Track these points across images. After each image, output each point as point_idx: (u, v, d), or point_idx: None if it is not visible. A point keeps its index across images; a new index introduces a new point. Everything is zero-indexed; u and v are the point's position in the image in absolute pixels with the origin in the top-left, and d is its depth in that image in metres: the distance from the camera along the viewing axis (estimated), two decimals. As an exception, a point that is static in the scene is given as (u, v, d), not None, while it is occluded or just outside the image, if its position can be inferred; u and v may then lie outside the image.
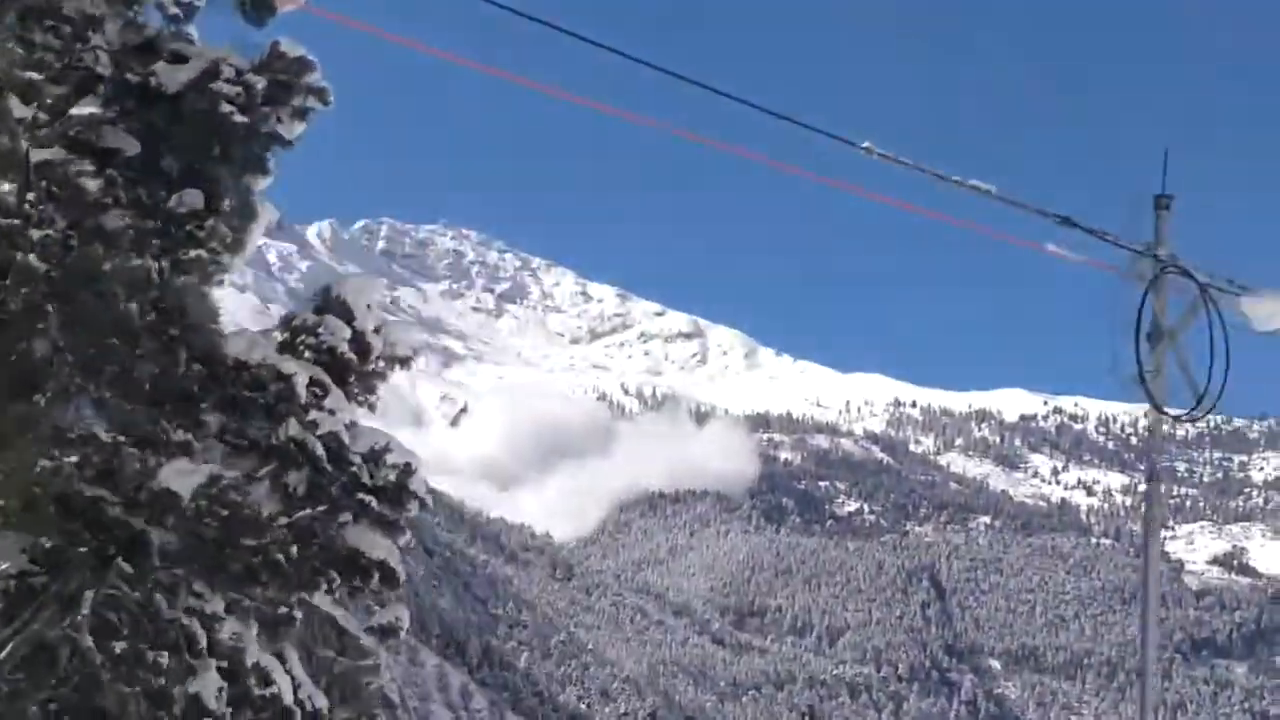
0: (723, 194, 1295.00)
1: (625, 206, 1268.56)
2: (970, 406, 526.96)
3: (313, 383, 15.45)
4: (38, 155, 14.04)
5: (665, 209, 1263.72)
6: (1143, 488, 16.23)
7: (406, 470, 15.94)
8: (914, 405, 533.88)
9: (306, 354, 15.83)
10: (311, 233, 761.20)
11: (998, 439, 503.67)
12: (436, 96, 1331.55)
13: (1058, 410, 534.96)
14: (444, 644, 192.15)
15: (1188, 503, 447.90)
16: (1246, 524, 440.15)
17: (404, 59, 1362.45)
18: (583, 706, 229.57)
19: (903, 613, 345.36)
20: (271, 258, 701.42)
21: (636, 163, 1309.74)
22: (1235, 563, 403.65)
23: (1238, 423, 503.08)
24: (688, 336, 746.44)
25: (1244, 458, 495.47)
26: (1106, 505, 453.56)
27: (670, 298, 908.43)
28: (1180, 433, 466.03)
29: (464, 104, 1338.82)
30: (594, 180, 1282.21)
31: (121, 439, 14.71)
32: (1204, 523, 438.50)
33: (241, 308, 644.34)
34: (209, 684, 15.27)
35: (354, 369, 16.12)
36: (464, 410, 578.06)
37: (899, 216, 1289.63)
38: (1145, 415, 15.81)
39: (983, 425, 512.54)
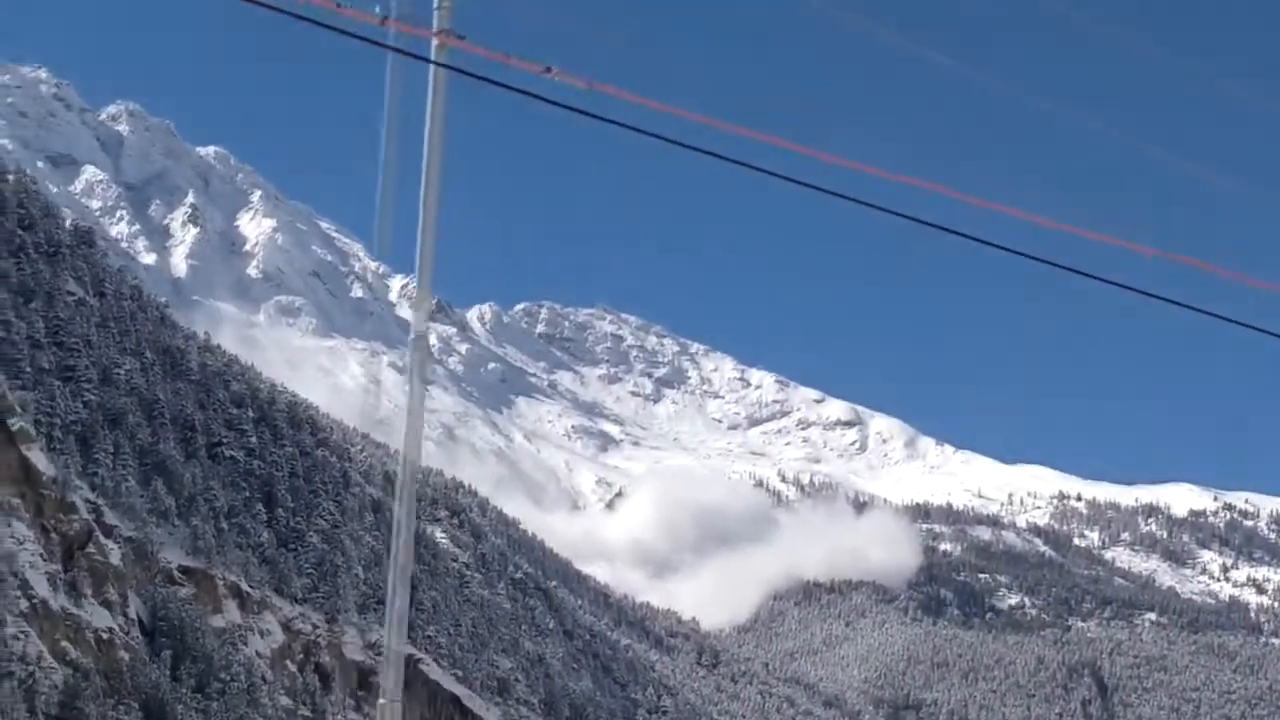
0: (884, 286, 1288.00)
1: (786, 293, 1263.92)
2: (1137, 501, 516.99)
3: None
4: None
5: (826, 298, 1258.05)
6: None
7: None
8: (1079, 499, 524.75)
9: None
10: (472, 315, 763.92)
11: (1165, 534, 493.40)
12: (598, 180, 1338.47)
13: (1228, 506, 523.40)
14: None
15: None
16: None
17: (569, 146, 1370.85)
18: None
19: (1063, 710, 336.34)
20: (431, 340, 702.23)
21: (798, 250, 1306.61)
22: None
23: None
24: (847, 424, 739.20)
25: None
26: (1277, 604, 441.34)
27: (830, 385, 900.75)
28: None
29: (625, 189, 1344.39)
30: (754, 267, 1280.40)
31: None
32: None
33: (402, 389, 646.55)
34: None
35: None
36: (620, 495, 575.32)
37: (1063, 312, 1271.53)
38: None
39: (1150, 520, 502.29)
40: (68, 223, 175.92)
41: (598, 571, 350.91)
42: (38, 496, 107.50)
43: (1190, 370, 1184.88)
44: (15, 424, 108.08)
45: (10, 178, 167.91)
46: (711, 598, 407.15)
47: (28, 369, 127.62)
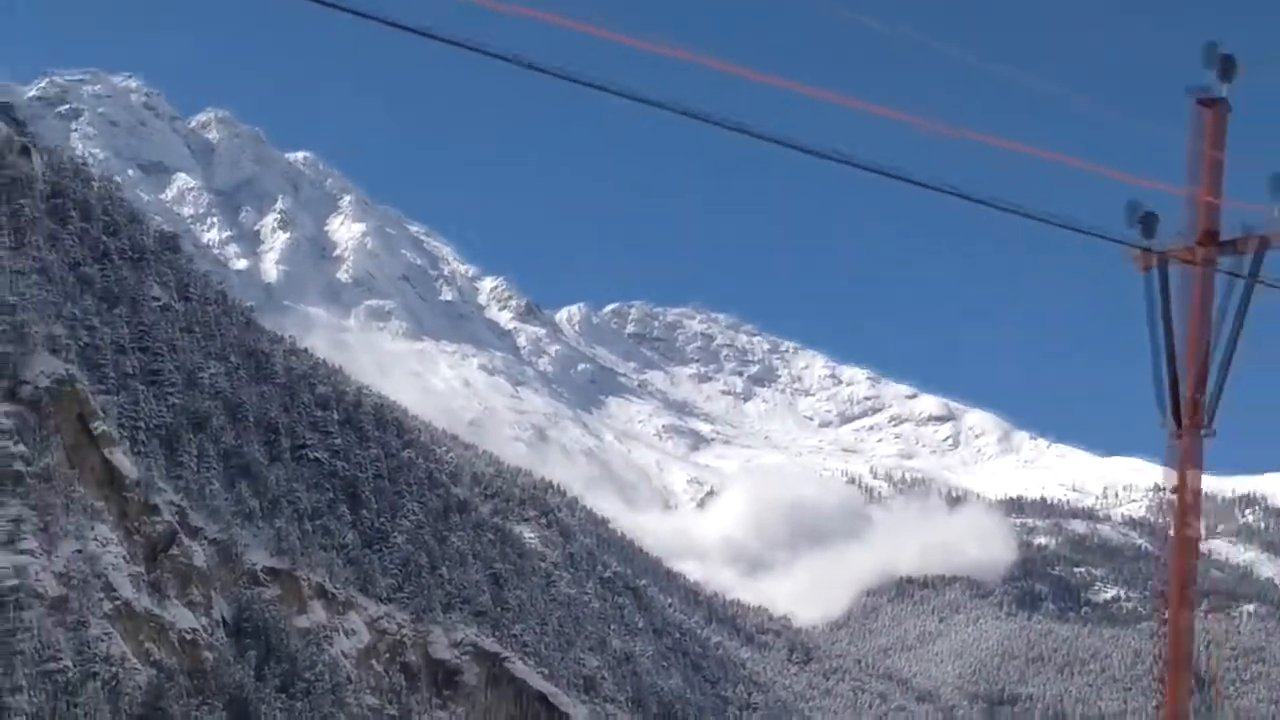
0: (976, 281, 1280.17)
1: (876, 289, 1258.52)
2: (1235, 491, 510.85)
3: None
4: None
5: (916, 292, 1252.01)
6: None
7: None
8: (1175, 491, 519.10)
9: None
10: (562, 316, 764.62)
11: (1264, 525, 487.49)
12: (687, 181, 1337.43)
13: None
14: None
15: None
16: None
17: (662, 149, 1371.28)
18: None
19: (1160, 702, 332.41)
20: (521, 341, 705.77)
21: (889, 247, 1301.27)
22: None
23: None
24: (940, 420, 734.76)
25: None
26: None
27: (922, 380, 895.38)
28: None
29: (714, 187, 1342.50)
30: (844, 263, 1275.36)
31: None
32: None
33: (493, 391, 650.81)
34: None
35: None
36: (711, 493, 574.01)
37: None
38: None
39: (1249, 511, 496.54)
40: (153, 228, 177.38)
41: (690, 570, 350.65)
42: (121, 499, 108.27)
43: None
44: (98, 428, 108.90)
45: (95, 185, 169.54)
46: (805, 595, 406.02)
47: (112, 374, 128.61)
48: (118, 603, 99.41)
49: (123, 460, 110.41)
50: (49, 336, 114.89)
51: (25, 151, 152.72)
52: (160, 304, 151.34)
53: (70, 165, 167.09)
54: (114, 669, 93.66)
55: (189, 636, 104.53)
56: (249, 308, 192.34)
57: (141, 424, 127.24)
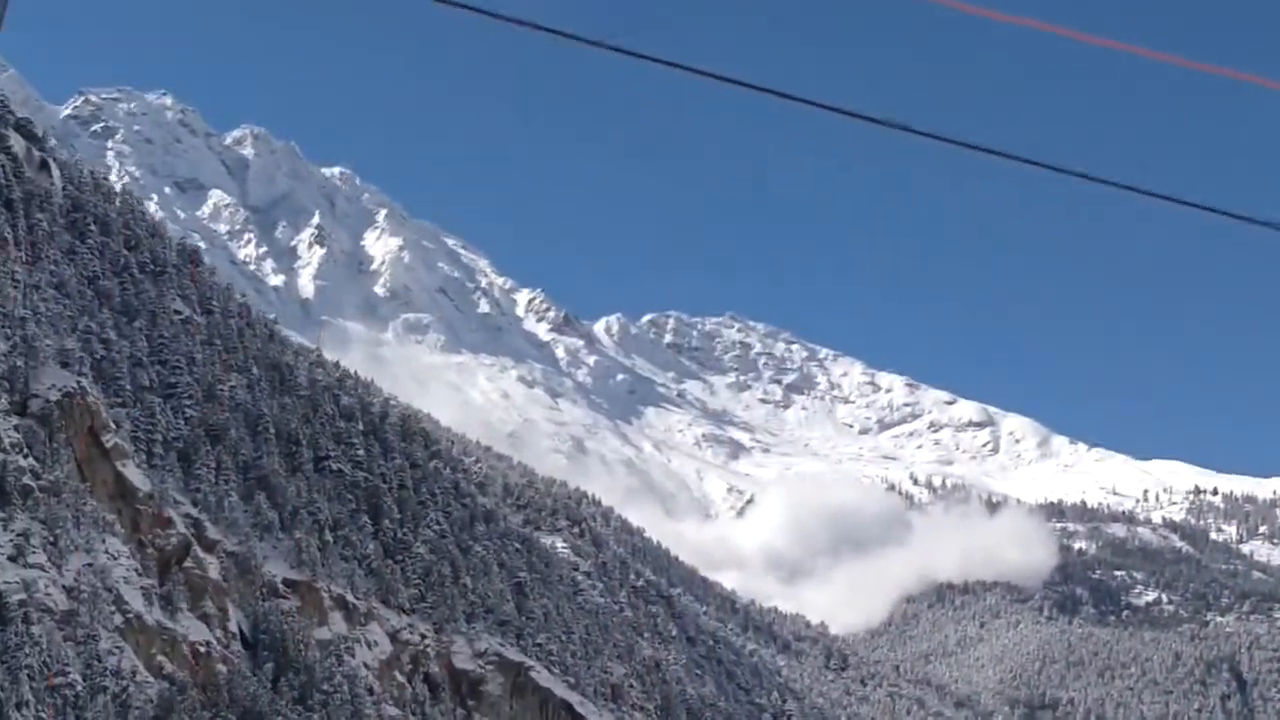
0: (1011, 287, 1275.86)
1: (914, 295, 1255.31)
2: (1275, 493, 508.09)
3: None
4: None
5: (954, 297, 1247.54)
6: None
7: None
8: (1215, 493, 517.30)
9: None
10: (599, 327, 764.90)
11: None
12: (721, 192, 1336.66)
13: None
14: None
15: None
16: None
17: (696, 160, 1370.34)
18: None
19: (1201, 705, 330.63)
20: (560, 352, 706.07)
21: (923, 252, 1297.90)
22: None
23: None
24: (979, 425, 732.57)
25: None
26: None
27: (960, 386, 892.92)
28: None
29: (747, 198, 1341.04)
30: (880, 268, 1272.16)
31: None
32: None
33: (531, 403, 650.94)
34: None
35: None
36: (750, 501, 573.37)
37: (1191, 298, 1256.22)
38: None
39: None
40: (174, 242, 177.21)
41: (730, 578, 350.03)
42: (134, 512, 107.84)
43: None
44: (110, 441, 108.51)
45: (116, 199, 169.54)
46: (845, 602, 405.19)
47: (128, 387, 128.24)
48: (129, 616, 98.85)
49: (135, 473, 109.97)
50: (61, 350, 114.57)
51: (44, 166, 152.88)
52: (182, 317, 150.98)
53: (90, 180, 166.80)
54: (124, 683, 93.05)
55: (202, 649, 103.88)
56: (272, 320, 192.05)
57: (159, 436, 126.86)
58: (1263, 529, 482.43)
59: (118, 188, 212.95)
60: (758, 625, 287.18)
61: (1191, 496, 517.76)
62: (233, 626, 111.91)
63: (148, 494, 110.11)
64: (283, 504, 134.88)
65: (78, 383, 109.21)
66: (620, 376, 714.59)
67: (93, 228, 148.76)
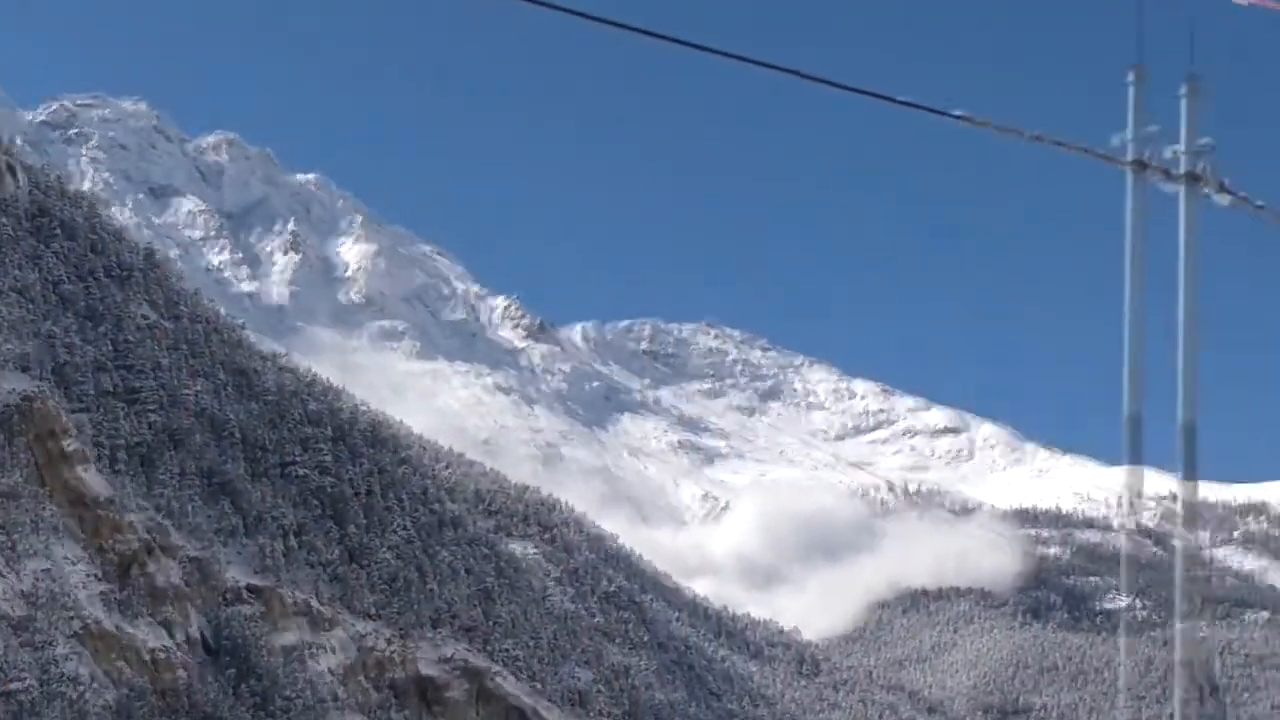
0: (981, 288, 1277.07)
1: (885, 302, 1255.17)
2: (1246, 499, 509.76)
3: None
4: None
5: (925, 303, 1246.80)
6: None
7: None
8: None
9: None
10: (574, 334, 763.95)
11: (1272, 532, 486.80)
12: (695, 198, 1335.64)
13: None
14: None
15: None
16: None
17: (668, 164, 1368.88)
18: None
19: (1172, 710, 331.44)
20: (534, 359, 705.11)
21: (893, 257, 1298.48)
22: None
23: None
24: (952, 431, 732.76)
25: None
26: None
27: (933, 392, 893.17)
28: None
29: (722, 204, 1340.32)
30: (853, 276, 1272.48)
31: None
32: None
33: (505, 410, 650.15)
34: None
35: None
36: (724, 508, 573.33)
37: (1165, 302, 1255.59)
38: None
39: (1258, 518, 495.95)
40: (141, 246, 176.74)
41: (704, 585, 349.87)
42: (93, 517, 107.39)
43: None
44: (70, 445, 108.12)
45: (82, 204, 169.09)
46: (817, 608, 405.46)
47: (91, 391, 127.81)
48: (86, 622, 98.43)
49: (95, 478, 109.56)
50: (21, 355, 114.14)
51: (11, 171, 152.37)
52: (148, 322, 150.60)
53: (56, 184, 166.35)
54: (80, 689, 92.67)
55: (160, 655, 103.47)
56: (240, 325, 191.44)
57: (121, 441, 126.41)
58: (1233, 535, 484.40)
59: (90, 193, 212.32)
60: (730, 631, 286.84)
61: (1164, 503, 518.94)
62: (193, 632, 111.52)
63: (107, 499, 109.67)
64: (246, 509, 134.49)
65: (37, 387, 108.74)
66: (594, 383, 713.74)
67: (57, 232, 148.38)
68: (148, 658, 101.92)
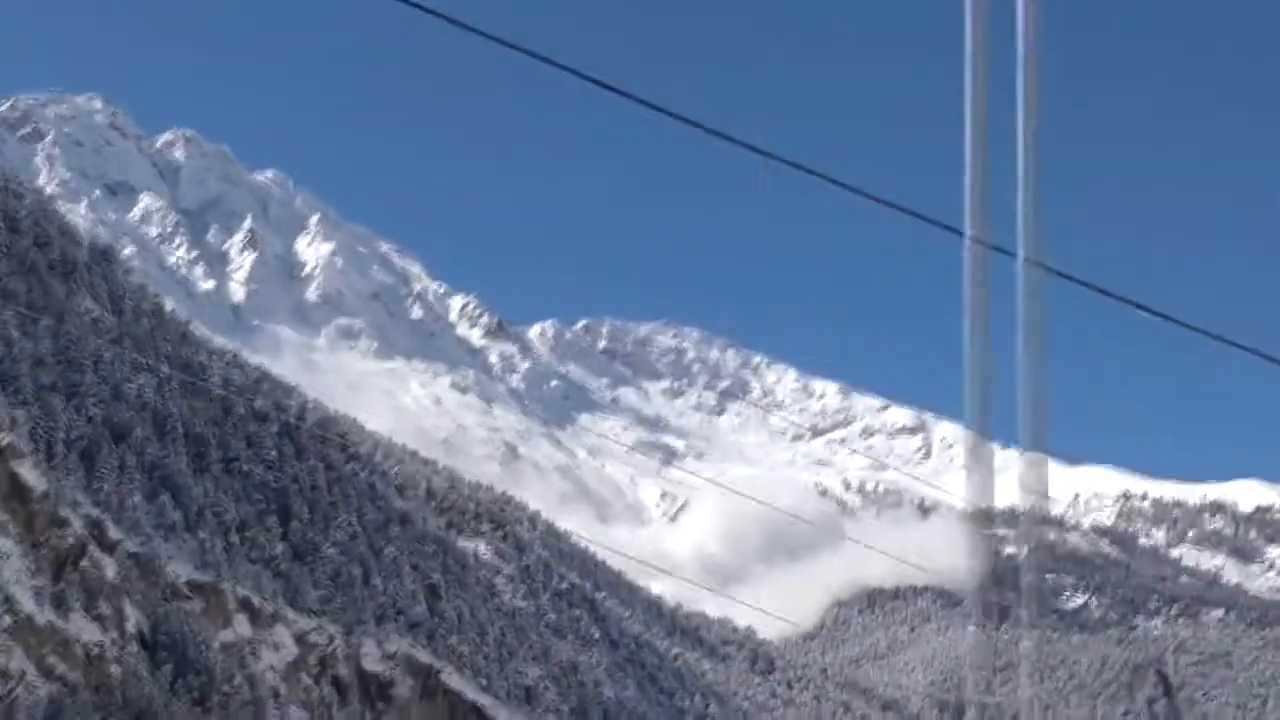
0: (941, 285, 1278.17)
1: (847, 302, 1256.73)
2: (1204, 498, 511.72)
3: None
4: None
5: (883, 303, 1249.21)
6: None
7: None
8: (1144, 498, 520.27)
9: None
10: (533, 333, 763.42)
11: (1232, 531, 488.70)
12: (655, 196, 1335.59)
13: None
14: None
15: None
16: None
17: (629, 163, 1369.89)
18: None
19: (1128, 708, 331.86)
20: (493, 358, 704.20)
21: (857, 258, 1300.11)
22: None
23: None
24: (911, 431, 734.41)
25: None
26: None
27: (893, 392, 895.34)
28: None
29: (682, 202, 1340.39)
30: (812, 276, 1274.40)
31: None
32: None
33: (464, 409, 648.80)
34: None
35: None
36: (684, 507, 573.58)
37: (1122, 321, 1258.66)
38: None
39: (1216, 517, 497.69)
40: (87, 241, 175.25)
41: (663, 584, 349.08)
42: (28, 512, 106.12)
43: (1253, 366, 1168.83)
44: (5, 439, 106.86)
45: (26, 198, 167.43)
46: (777, 607, 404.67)
47: (29, 386, 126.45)
48: (19, 617, 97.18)
49: (31, 472, 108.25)
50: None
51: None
52: (92, 316, 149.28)
53: None
54: (11, 684, 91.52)
55: (95, 651, 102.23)
56: (186, 321, 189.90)
57: (61, 435, 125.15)
58: (1191, 534, 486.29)
59: (48, 191, 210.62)
60: (684, 629, 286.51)
61: (1121, 502, 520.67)
62: (130, 627, 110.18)
63: (43, 493, 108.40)
64: (188, 505, 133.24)
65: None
66: (554, 383, 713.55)
67: (0, 226, 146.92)
68: (82, 653, 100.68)
